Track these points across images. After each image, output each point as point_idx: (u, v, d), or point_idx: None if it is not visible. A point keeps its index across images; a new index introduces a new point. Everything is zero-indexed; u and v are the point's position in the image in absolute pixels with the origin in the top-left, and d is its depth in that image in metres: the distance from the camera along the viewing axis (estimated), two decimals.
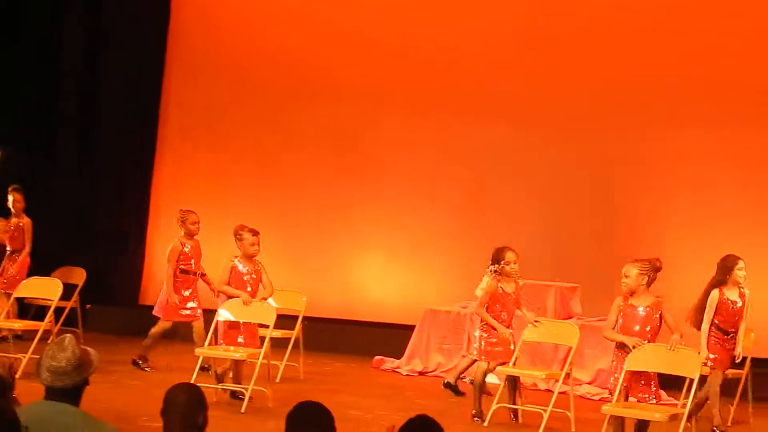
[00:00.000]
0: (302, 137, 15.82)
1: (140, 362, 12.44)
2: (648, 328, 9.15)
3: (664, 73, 13.98)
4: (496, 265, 10.77)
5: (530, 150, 14.67)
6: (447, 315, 13.80)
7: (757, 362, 11.62)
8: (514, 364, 10.81)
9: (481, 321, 10.92)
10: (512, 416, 10.69)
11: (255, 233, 11.10)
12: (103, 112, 16.57)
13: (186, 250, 12.45)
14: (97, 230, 16.33)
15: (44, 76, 16.39)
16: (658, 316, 9.15)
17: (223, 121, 16.31)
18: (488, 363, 10.77)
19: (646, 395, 9.06)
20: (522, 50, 14.79)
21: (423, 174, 15.23)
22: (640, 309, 9.18)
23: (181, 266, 12.43)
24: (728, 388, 11.40)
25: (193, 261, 12.49)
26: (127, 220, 16.47)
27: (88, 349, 5.30)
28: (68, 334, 5.38)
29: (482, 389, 10.82)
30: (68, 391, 5.10)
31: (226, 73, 16.33)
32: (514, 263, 10.73)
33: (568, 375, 10.52)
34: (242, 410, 10.27)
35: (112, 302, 16.06)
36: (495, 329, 10.72)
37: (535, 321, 10.76)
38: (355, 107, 15.56)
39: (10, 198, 14.15)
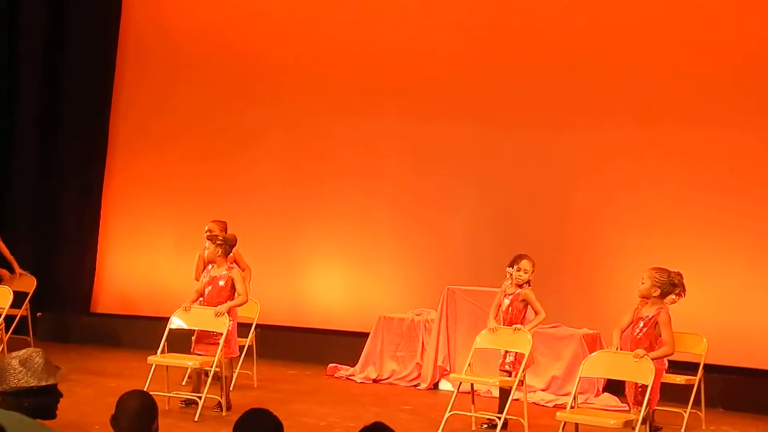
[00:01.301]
0: (254, 139, 15.70)
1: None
2: (648, 338, 9.22)
3: (619, 72, 13.94)
4: (510, 269, 10.76)
5: (487, 152, 14.57)
6: (401, 322, 13.78)
7: (708, 368, 11.67)
8: (470, 371, 10.82)
9: None
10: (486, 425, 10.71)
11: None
12: (56, 113, 16.38)
13: None
14: (47, 237, 16.17)
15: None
16: (654, 325, 9.26)
17: (174, 123, 16.16)
18: None
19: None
20: (477, 49, 14.70)
21: (377, 179, 15.15)
22: (643, 318, 9.27)
23: None
24: (681, 394, 11.46)
25: None
26: (78, 226, 16.29)
27: (59, 367, 5.24)
28: (35, 349, 5.31)
29: None
30: (20, 400, 5.00)
31: (178, 71, 16.19)
32: (525, 272, 10.69)
33: (521, 382, 10.52)
34: (195, 418, 10.20)
35: (64, 310, 15.92)
36: None
37: (494, 327, 10.75)
38: (309, 108, 15.45)
39: None
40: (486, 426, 10.68)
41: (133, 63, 16.51)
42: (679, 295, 10.82)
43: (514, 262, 10.77)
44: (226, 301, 10.84)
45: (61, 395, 5.24)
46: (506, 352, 10.58)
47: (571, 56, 14.15)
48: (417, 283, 14.60)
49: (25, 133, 16.33)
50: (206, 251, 11.10)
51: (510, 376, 10.50)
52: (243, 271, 11.60)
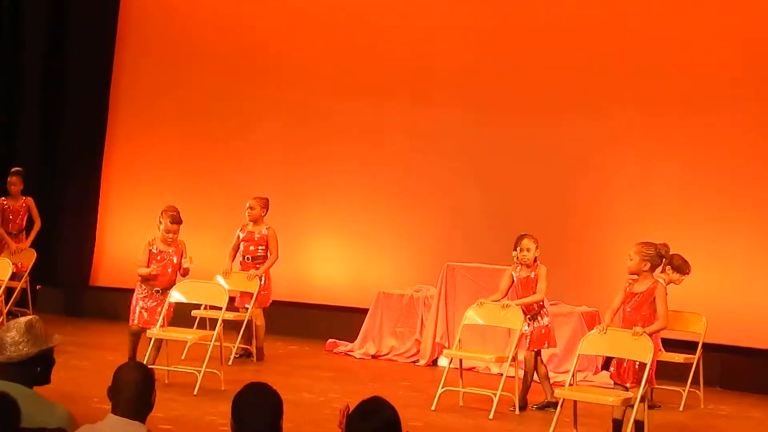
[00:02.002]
0: (255, 118, 15.71)
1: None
2: (642, 313, 9.17)
3: (617, 59, 13.96)
4: (515, 251, 10.76)
5: (487, 135, 14.60)
6: (400, 298, 13.80)
7: (707, 347, 11.69)
8: (459, 347, 10.86)
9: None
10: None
11: (176, 221, 10.88)
12: (57, 91, 16.37)
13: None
14: (47, 211, 16.15)
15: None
16: (652, 300, 9.20)
17: (175, 102, 16.16)
18: None
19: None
20: (483, 36, 14.70)
21: (376, 157, 15.15)
22: (636, 294, 9.22)
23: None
24: (679, 372, 11.48)
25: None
26: (79, 201, 16.30)
27: (54, 333, 5.24)
28: (31, 316, 5.33)
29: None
30: (18, 370, 5.03)
31: (180, 52, 16.19)
32: (527, 251, 10.67)
33: (514, 358, 10.53)
34: (194, 392, 10.22)
35: (63, 283, 15.94)
36: None
37: (480, 301, 10.80)
38: (310, 89, 15.45)
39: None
40: (536, 407, 10.65)
41: (134, 43, 16.48)
42: (684, 273, 10.88)
43: (516, 243, 10.77)
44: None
45: (54, 360, 5.26)
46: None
47: (572, 42, 14.15)
48: (416, 259, 14.61)
49: (26, 111, 16.35)
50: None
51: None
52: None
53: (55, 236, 15.96)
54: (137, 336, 10.88)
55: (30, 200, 14.63)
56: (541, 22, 14.35)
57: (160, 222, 10.88)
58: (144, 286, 10.89)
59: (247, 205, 12.81)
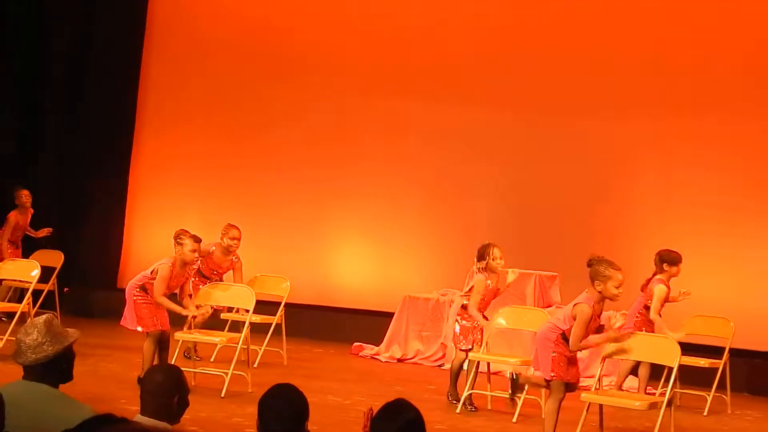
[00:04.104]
0: (281, 116, 15.77)
1: None
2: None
3: (645, 58, 13.96)
4: (482, 262, 10.73)
5: (511, 136, 14.65)
6: (426, 302, 13.80)
7: (734, 352, 11.65)
8: (486, 350, 10.87)
9: (466, 314, 10.83)
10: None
11: (197, 240, 10.65)
12: (83, 92, 16.45)
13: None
14: (74, 212, 16.25)
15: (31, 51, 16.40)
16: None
17: (201, 100, 16.24)
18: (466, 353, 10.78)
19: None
20: (502, 34, 14.76)
21: (403, 159, 15.19)
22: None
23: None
24: (706, 377, 11.44)
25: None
26: (105, 203, 16.37)
27: (68, 329, 5.23)
28: (46, 314, 5.32)
29: (458, 376, 10.85)
30: (44, 370, 5.03)
31: (204, 48, 16.26)
32: (501, 258, 10.69)
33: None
34: (222, 395, 10.25)
35: (90, 285, 16.00)
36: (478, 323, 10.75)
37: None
38: (334, 89, 15.51)
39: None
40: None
41: (160, 40, 16.56)
42: (678, 263, 11.09)
43: (485, 253, 10.73)
44: None
45: (74, 354, 5.24)
46: None
47: (594, 41, 14.19)
48: (442, 263, 14.62)
49: (51, 110, 16.41)
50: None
51: None
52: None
53: (83, 238, 16.05)
54: (157, 339, 10.75)
55: (32, 211, 14.78)
56: (564, 21, 14.38)
57: (179, 244, 10.66)
58: (141, 293, 10.73)
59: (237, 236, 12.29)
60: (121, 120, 16.48)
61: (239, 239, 12.17)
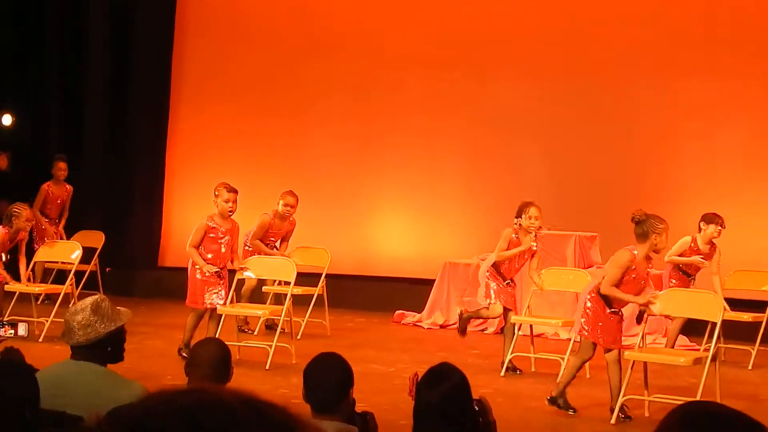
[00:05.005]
0: (319, 91, 15.77)
1: None
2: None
3: (674, 25, 13.90)
4: (519, 219, 10.71)
5: (543, 103, 14.62)
6: (466, 268, 13.81)
7: None
8: (528, 312, 10.89)
9: (501, 274, 10.83)
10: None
11: (232, 190, 10.68)
12: (121, 76, 16.50)
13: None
14: (115, 193, 16.34)
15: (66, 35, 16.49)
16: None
17: (237, 79, 16.26)
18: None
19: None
20: (532, 6, 14.70)
21: (441, 134, 15.19)
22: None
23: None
24: (749, 332, 11.42)
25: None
26: (145, 181, 16.45)
27: (120, 308, 5.24)
28: (97, 295, 5.33)
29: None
30: (92, 349, 5.04)
31: (239, 26, 16.27)
32: (536, 219, 10.62)
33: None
34: (267, 367, 10.31)
35: (131, 265, 16.10)
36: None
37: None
38: (374, 63, 15.50)
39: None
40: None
41: (194, 18, 16.58)
42: (718, 224, 11.10)
43: (522, 211, 10.65)
44: None
45: (125, 337, 5.24)
46: None
47: (636, 6, 14.12)
48: (481, 227, 14.60)
49: (92, 100, 16.51)
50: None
51: None
52: None
53: (124, 218, 16.15)
54: (202, 316, 10.79)
55: (71, 188, 14.75)
56: None
57: (216, 195, 10.75)
58: (199, 269, 10.73)
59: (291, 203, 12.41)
60: (157, 100, 16.50)
61: (294, 206, 12.23)
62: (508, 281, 10.76)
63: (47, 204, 14.48)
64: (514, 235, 10.69)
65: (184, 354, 10.28)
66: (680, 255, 11.25)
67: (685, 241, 11.23)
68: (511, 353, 10.57)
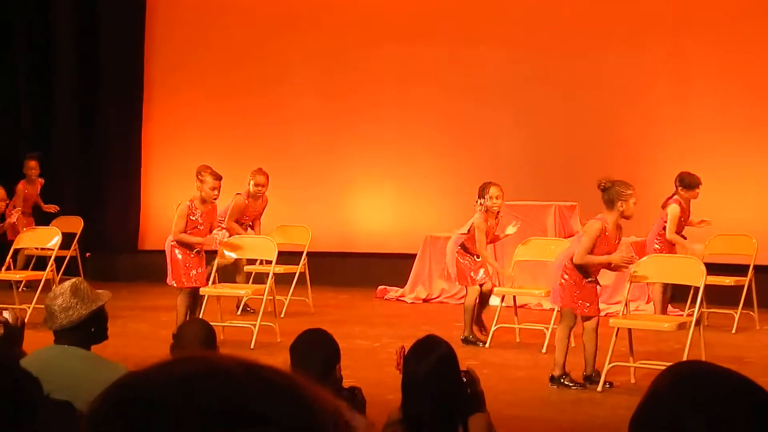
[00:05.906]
0: (291, 67, 15.71)
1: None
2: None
3: None
4: (482, 200, 10.66)
5: (517, 72, 14.57)
6: (447, 241, 13.77)
7: (759, 269, 11.64)
8: (512, 284, 10.90)
9: (466, 255, 10.82)
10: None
11: (218, 178, 10.57)
12: (94, 57, 16.41)
13: None
14: (91, 178, 16.27)
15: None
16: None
17: (209, 57, 16.18)
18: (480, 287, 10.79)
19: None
20: None
21: (416, 103, 15.14)
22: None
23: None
24: (732, 296, 11.45)
25: None
26: (121, 165, 16.38)
27: (100, 291, 5.22)
28: (74, 279, 5.31)
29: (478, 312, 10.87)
30: (75, 331, 5.02)
31: (210, 6, 16.21)
32: (497, 198, 10.59)
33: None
34: (251, 346, 10.29)
35: (111, 249, 16.05)
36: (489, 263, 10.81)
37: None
38: (346, 36, 15.44)
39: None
40: None
41: (164, 1, 16.48)
42: (695, 187, 11.10)
43: (484, 192, 10.64)
44: None
45: (107, 316, 5.23)
46: None
47: None
48: (461, 201, 14.56)
49: (64, 80, 16.40)
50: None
51: None
52: None
53: (101, 203, 16.09)
54: (189, 296, 10.77)
55: (42, 181, 14.79)
56: None
57: (200, 181, 10.65)
58: (179, 249, 10.68)
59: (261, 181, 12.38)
60: (131, 82, 16.43)
61: (265, 185, 12.22)
62: (476, 256, 10.78)
63: (23, 203, 14.47)
64: (488, 222, 10.69)
65: None
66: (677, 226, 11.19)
67: (675, 209, 11.18)
68: (495, 325, 10.59)
